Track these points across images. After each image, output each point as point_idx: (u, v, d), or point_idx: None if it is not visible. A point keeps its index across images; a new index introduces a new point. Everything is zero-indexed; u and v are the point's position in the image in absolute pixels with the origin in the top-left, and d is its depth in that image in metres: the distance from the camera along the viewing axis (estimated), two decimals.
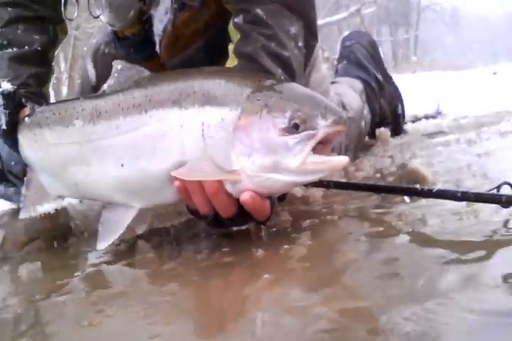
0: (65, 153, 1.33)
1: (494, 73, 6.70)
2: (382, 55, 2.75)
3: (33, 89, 1.64)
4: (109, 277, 1.20)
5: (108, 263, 1.28)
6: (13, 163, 1.48)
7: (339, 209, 1.40)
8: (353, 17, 11.89)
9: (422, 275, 0.85)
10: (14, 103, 1.47)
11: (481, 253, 0.91)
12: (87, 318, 0.89)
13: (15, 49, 1.65)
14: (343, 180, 1.66)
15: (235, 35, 1.44)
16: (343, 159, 1.08)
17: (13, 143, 1.47)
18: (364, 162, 2.10)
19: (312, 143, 1.05)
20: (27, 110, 1.48)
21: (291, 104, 1.07)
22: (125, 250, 1.34)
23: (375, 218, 1.29)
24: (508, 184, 1.13)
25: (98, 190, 1.30)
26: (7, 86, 1.47)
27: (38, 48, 1.70)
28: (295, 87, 1.16)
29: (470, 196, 1.11)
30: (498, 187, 1.13)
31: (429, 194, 1.19)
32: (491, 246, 0.95)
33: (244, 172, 1.08)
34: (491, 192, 1.12)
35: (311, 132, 1.05)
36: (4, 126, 1.46)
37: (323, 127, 1.06)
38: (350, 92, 2.35)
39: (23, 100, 1.49)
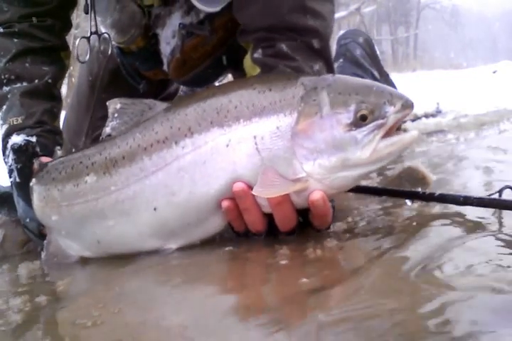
0: (80, 213, 1.23)
1: (494, 72, 6.70)
2: (378, 53, 2.75)
3: (48, 127, 1.57)
4: (109, 276, 1.20)
5: (107, 262, 1.27)
6: (28, 219, 1.40)
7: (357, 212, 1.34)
8: (353, 16, 11.88)
9: None
10: (25, 156, 1.42)
11: None
12: (89, 316, 0.89)
13: (24, 83, 1.59)
14: None
15: (252, 70, 1.39)
16: (414, 133, 1.06)
17: (26, 196, 1.38)
18: None
19: (383, 131, 1.02)
20: (43, 159, 1.42)
21: (353, 96, 1.04)
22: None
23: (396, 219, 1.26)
24: (510, 188, 1.12)
25: (126, 242, 1.20)
26: (17, 139, 1.41)
27: (49, 81, 1.64)
28: (346, 78, 1.13)
29: (472, 200, 1.10)
30: (500, 191, 1.12)
31: (431, 198, 1.18)
32: None
33: (312, 177, 1.04)
34: (493, 196, 1.11)
35: (381, 121, 1.02)
36: (18, 179, 1.40)
37: (393, 114, 1.03)
38: None
39: (38, 149, 1.44)
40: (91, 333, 0.84)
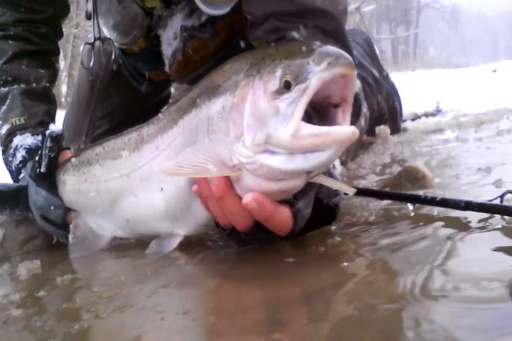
0: (115, 188, 1.25)
1: (494, 71, 6.70)
2: (377, 52, 2.75)
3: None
4: (110, 274, 1.20)
5: (108, 261, 1.28)
6: (52, 207, 1.39)
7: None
8: (353, 15, 11.87)
9: None
10: (59, 146, 1.43)
11: None
12: (88, 315, 0.89)
13: (22, 85, 1.61)
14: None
15: None
16: (347, 130, 0.83)
17: (51, 187, 1.41)
18: (364, 160, 2.10)
19: (306, 97, 0.84)
20: (67, 154, 1.45)
21: (282, 61, 0.88)
22: (126, 247, 1.34)
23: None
24: (511, 193, 1.12)
25: (146, 223, 1.21)
26: (55, 128, 1.42)
27: (47, 85, 1.67)
28: (292, 44, 0.96)
29: (473, 206, 1.10)
30: (502, 197, 1.12)
31: (432, 202, 1.17)
32: None
33: (242, 163, 0.90)
34: (494, 201, 1.11)
35: (303, 85, 0.84)
36: (44, 169, 1.41)
37: (316, 74, 0.84)
38: None
39: (63, 144, 1.46)
40: (93, 330, 0.84)
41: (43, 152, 1.41)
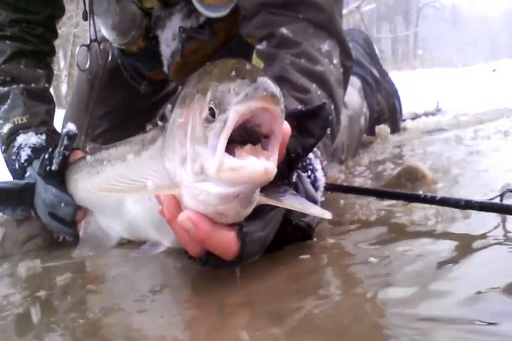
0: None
1: (494, 70, 6.70)
2: (377, 52, 2.75)
3: (51, 127, 1.62)
4: (110, 273, 1.20)
5: (107, 260, 1.28)
6: (63, 204, 1.39)
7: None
8: (353, 14, 11.87)
9: None
10: (73, 145, 1.43)
11: None
12: (89, 315, 0.89)
13: (21, 85, 1.62)
14: (345, 184, 1.65)
15: (258, 65, 1.31)
16: (259, 168, 0.76)
17: (60, 184, 1.41)
18: (364, 159, 2.10)
19: (226, 133, 0.76)
20: (77, 153, 1.45)
21: (214, 83, 0.80)
22: (129, 247, 1.34)
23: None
24: None
25: (142, 229, 1.19)
26: (72, 127, 1.41)
27: (46, 85, 1.68)
28: (236, 63, 0.84)
29: (473, 205, 1.10)
30: (502, 195, 1.12)
31: (432, 201, 1.17)
32: None
33: (182, 184, 0.86)
34: (494, 200, 1.11)
35: (224, 115, 0.77)
36: (55, 167, 1.41)
37: (232, 106, 0.76)
38: (349, 90, 2.35)
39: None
40: (92, 330, 0.84)
41: (58, 149, 1.41)
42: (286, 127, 0.87)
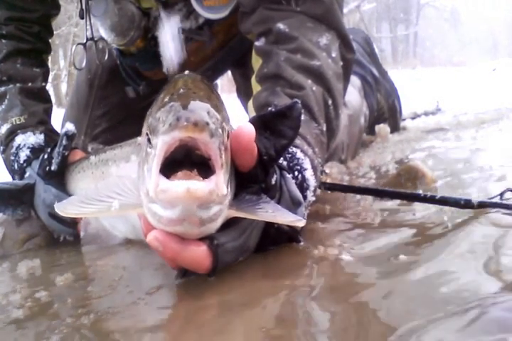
0: None
1: (494, 69, 6.69)
2: (376, 51, 2.75)
3: (49, 127, 1.62)
4: (109, 273, 1.20)
5: (108, 260, 1.27)
6: None
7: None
8: (353, 13, 11.87)
9: None
10: (71, 145, 1.43)
11: None
12: (89, 315, 0.89)
13: (18, 85, 1.62)
14: (345, 183, 1.65)
15: (256, 62, 1.32)
16: (182, 187, 0.75)
17: (60, 184, 1.42)
18: (364, 158, 2.10)
19: (157, 159, 0.77)
20: (76, 153, 1.45)
21: (153, 108, 0.83)
22: (130, 246, 1.34)
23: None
24: (511, 191, 1.12)
25: (138, 232, 1.14)
26: (70, 127, 1.41)
27: (43, 84, 1.68)
28: (176, 84, 0.88)
29: (473, 204, 1.09)
30: (502, 194, 1.12)
31: (432, 200, 1.17)
32: None
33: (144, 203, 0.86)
34: (494, 199, 1.11)
35: (155, 141, 0.78)
36: (55, 167, 1.41)
37: (159, 135, 0.76)
38: (349, 89, 2.35)
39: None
40: (92, 329, 0.84)
41: (57, 150, 1.41)
42: (250, 132, 0.86)
